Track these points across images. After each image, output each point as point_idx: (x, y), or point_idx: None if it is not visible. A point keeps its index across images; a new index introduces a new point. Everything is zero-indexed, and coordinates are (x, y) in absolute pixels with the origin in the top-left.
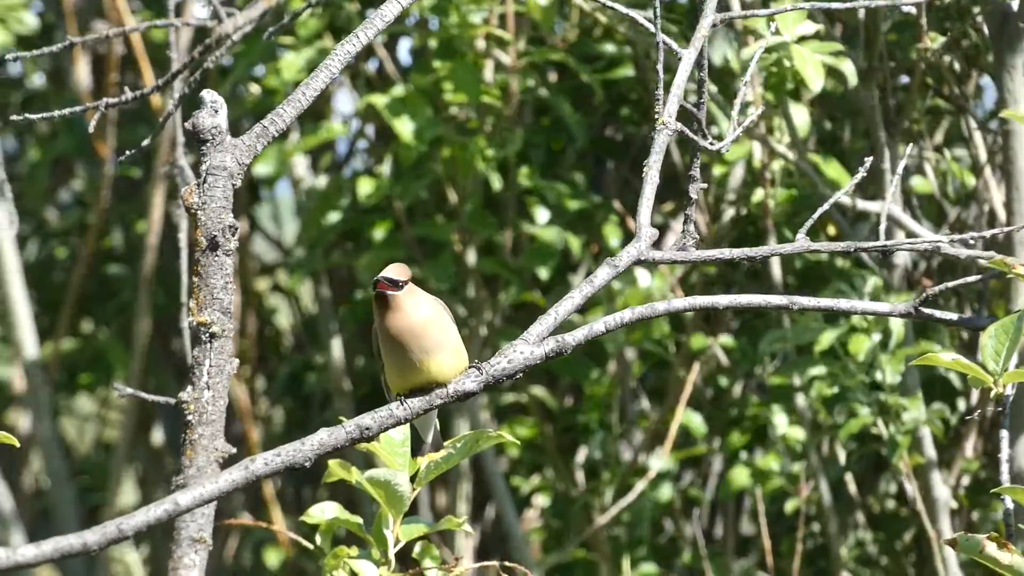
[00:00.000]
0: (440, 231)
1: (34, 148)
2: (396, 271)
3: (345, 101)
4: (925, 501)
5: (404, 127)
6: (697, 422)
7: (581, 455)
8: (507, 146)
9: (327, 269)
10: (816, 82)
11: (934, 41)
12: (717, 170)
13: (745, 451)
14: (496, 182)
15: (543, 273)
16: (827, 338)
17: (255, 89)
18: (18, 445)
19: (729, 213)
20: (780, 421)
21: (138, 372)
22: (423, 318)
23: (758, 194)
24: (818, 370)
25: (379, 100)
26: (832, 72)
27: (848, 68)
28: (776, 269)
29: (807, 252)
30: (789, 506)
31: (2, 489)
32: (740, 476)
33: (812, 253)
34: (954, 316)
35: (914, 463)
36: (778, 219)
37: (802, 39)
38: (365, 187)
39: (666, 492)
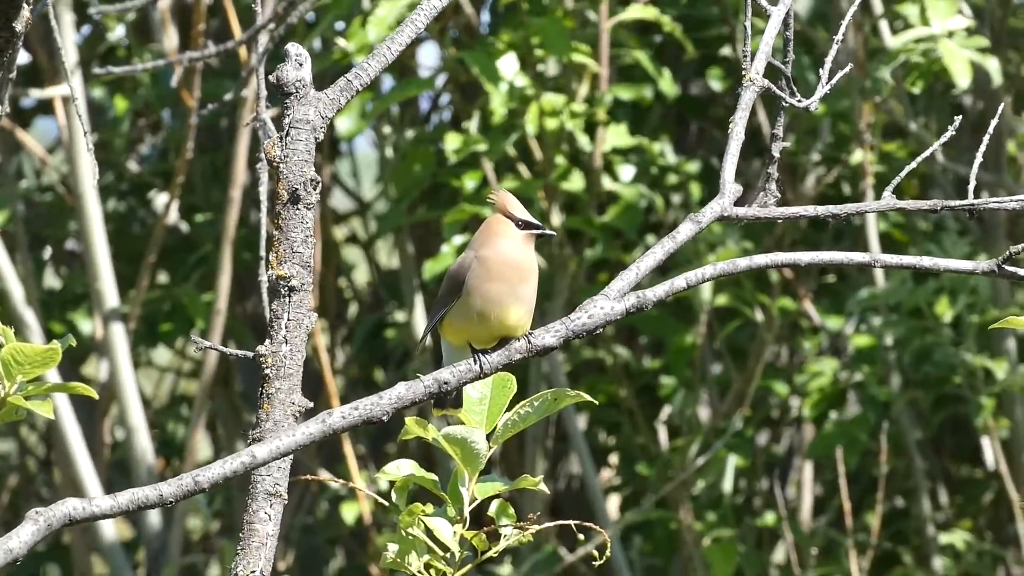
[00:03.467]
0: (527, 187)
1: (117, 98)
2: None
3: (430, 56)
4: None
5: (493, 83)
6: (779, 384)
7: (662, 414)
8: (595, 105)
9: (410, 224)
10: (963, 79)
11: None
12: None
13: (828, 412)
14: (585, 142)
15: (628, 230)
16: (916, 298)
17: (341, 42)
18: (96, 397)
19: (814, 174)
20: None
21: (219, 325)
22: (534, 268)
23: (857, 155)
24: (904, 330)
25: (467, 55)
26: None
27: (993, 66)
28: (872, 229)
29: (892, 210)
30: (883, 469)
31: (79, 440)
32: (830, 436)
33: (898, 212)
34: None
35: (999, 425)
36: (877, 180)
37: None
38: (452, 142)
39: (744, 452)
